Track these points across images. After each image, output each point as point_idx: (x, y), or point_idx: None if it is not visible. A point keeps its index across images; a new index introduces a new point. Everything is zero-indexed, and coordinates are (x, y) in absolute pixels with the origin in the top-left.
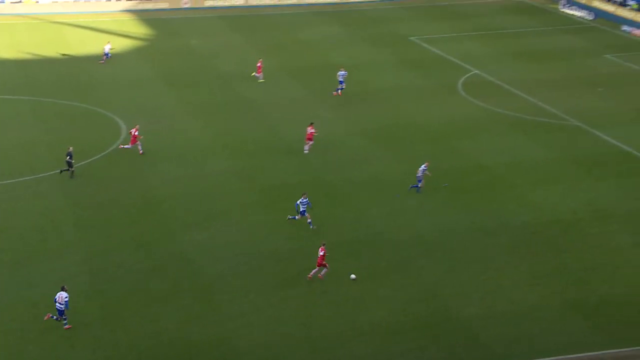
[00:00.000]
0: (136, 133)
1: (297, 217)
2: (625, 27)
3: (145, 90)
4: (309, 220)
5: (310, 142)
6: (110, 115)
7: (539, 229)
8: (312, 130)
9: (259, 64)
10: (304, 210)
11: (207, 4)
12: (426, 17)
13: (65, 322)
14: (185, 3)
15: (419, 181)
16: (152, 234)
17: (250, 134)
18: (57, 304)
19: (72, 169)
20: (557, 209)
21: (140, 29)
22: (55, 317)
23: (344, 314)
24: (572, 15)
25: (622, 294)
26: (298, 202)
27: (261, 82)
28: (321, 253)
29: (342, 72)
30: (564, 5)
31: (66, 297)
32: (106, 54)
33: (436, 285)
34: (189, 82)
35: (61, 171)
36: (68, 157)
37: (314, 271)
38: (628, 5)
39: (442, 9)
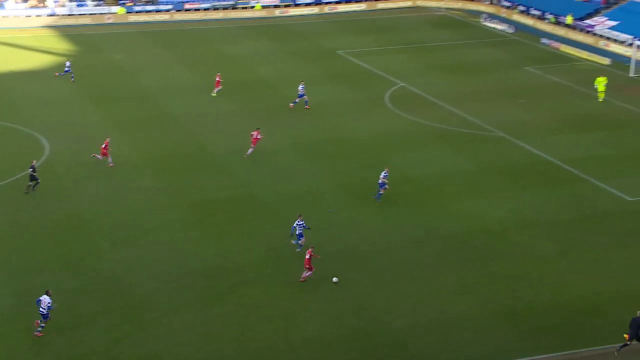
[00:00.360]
0: (104, 146)
1: (300, 242)
2: (544, 40)
3: (69, 106)
4: (298, 242)
5: (253, 147)
6: (33, 133)
7: (467, 239)
8: (258, 136)
9: (217, 78)
10: (301, 233)
11: (131, 19)
12: (352, 31)
13: (40, 329)
14: (109, 18)
15: (382, 186)
16: (78, 253)
17: (178, 149)
18: (40, 307)
19: (37, 181)
20: (483, 219)
21: (62, 45)
22: (41, 324)
23: (277, 328)
24: (494, 28)
25: (548, 301)
26: (294, 224)
27: (213, 95)
28: (307, 256)
29: (302, 86)
30: (485, 19)
31: (49, 303)
32: (67, 70)
33: (367, 298)
34: (114, 97)
35: (28, 187)
36: (31, 170)
37: (304, 274)
38: (546, 18)
39: (368, 23)
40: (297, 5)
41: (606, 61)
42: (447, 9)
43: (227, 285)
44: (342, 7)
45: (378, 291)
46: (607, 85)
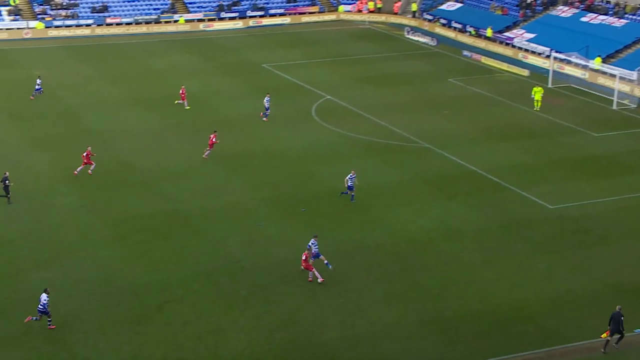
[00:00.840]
0: (85, 154)
1: (322, 258)
2: (465, 52)
3: None
4: (325, 262)
5: (210, 150)
6: None
7: (394, 249)
8: (214, 140)
9: (181, 91)
10: (318, 253)
11: (51, 33)
12: (278, 45)
13: (49, 322)
14: (27, 33)
15: (351, 188)
16: None
17: (100, 166)
18: (39, 305)
19: (9, 195)
20: (410, 229)
21: None
22: (35, 318)
23: (206, 345)
24: (417, 41)
25: (475, 309)
26: (309, 244)
27: (187, 108)
28: (303, 257)
29: (267, 98)
30: (408, 32)
31: (45, 299)
32: (37, 89)
33: (297, 311)
34: (34, 114)
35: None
36: (5, 182)
37: (310, 274)
38: (467, 31)
39: (292, 37)
40: (221, 19)
41: (525, 72)
42: (370, 22)
43: (154, 303)
44: (267, 21)
45: (307, 304)
46: (540, 95)
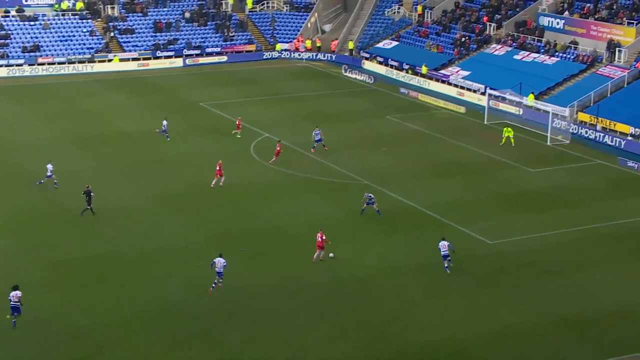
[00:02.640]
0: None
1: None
2: (403, 90)
3: None
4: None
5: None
6: None
7: (337, 287)
8: (220, 169)
9: (238, 122)
10: None
11: None
12: (215, 83)
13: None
14: None
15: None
16: None
17: (36, 207)
18: (11, 302)
19: None
20: (353, 266)
21: None
22: (14, 319)
23: None
24: (355, 79)
25: (418, 345)
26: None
27: (239, 137)
28: (320, 238)
29: (317, 131)
30: (346, 69)
31: (20, 294)
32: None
33: (241, 351)
34: None
35: None
36: None
37: (316, 254)
38: (404, 69)
39: (229, 75)
40: (156, 58)
41: (462, 109)
42: (308, 60)
43: (94, 345)
44: (204, 60)
45: (251, 343)
46: (510, 134)
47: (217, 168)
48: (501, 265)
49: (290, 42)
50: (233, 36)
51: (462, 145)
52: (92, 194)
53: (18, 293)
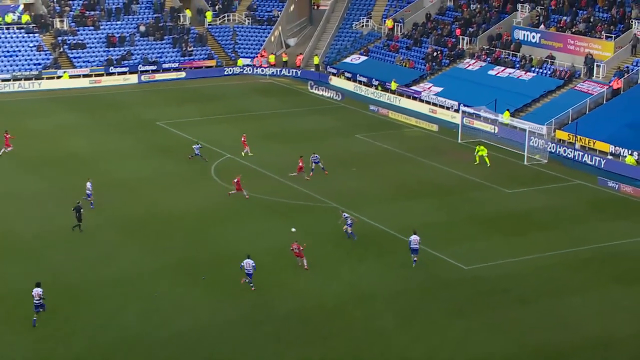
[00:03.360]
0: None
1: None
2: (372, 107)
3: None
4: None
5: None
6: None
7: (305, 316)
8: (238, 182)
9: (243, 139)
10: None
11: None
12: (173, 101)
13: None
14: None
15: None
16: None
17: None
18: (34, 300)
19: None
20: (321, 294)
21: None
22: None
23: None
24: (322, 95)
25: None
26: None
27: (250, 155)
28: (297, 249)
29: (315, 156)
30: (312, 86)
31: (41, 292)
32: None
33: None
34: None
35: None
36: None
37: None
38: (373, 85)
39: (189, 92)
40: (110, 74)
41: (434, 127)
42: (272, 76)
43: None
44: (161, 76)
45: None
46: (484, 153)
47: (235, 180)
48: (477, 291)
49: (253, 57)
50: (192, 51)
51: (435, 165)
52: (82, 210)
53: (39, 290)
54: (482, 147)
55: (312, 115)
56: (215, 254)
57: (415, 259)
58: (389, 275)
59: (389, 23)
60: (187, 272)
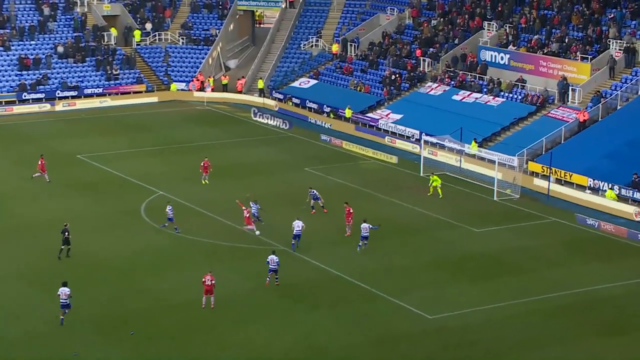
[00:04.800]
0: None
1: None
2: (324, 137)
3: None
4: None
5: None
6: None
7: None
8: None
9: (205, 164)
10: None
11: None
12: (97, 131)
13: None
14: None
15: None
16: None
17: None
18: (60, 299)
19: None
20: (266, 349)
21: None
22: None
23: None
24: (267, 124)
25: None
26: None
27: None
28: (210, 282)
29: (313, 192)
30: (256, 113)
31: (69, 292)
32: None
33: None
34: None
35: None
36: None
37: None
38: (325, 112)
39: (115, 121)
40: (23, 101)
41: (394, 159)
42: (209, 103)
43: None
44: (82, 103)
45: None
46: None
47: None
48: (442, 344)
49: (189, 81)
50: (118, 74)
51: (394, 201)
52: (67, 233)
53: (67, 290)
54: (435, 177)
55: (256, 146)
56: (145, 305)
57: (361, 244)
58: (344, 327)
59: (335, 47)
60: (112, 326)
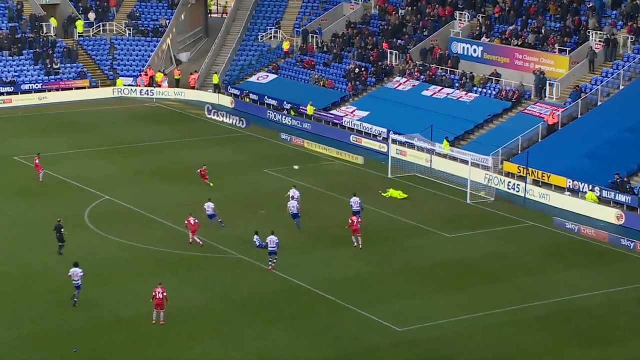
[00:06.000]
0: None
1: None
2: (284, 136)
3: None
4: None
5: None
6: None
7: None
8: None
9: (203, 171)
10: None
11: None
12: (34, 130)
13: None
14: None
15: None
16: None
17: None
18: (73, 280)
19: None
20: None
21: None
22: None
23: None
24: (222, 122)
25: None
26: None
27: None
28: (161, 294)
29: (355, 199)
30: (210, 110)
31: (81, 273)
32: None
33: None
34: None
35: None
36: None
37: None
38: (285, 109)
39: (54, 119)
40: None
41: (359, 159)
42: (159, 99)
43: None
44: (19, 99)
45: None
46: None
47: (191, 223)
48: (414, 358)
49: (136, 75)
50: (58, 68)
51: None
52: (62, 229)
53: (79, 270)
54: (392, 191)
55: (210, 146)
56: (90, 320)
57: (297, 223)
58: (305, 341)
59: (285, 45)
60: (50, 344)
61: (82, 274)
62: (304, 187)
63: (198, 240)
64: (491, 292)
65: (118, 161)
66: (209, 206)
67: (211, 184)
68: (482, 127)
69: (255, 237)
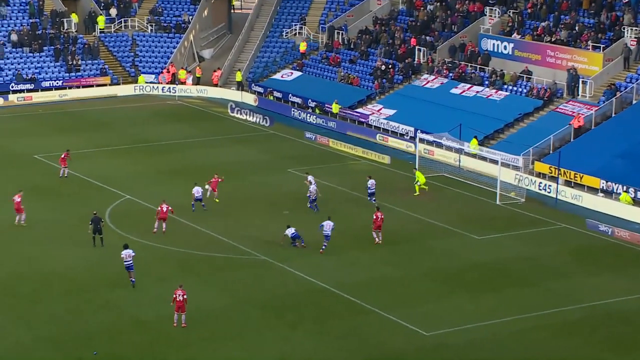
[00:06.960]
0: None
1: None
2: (308, 134)
3: None
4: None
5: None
6: None
7: None
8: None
9: (214, 181)
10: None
11: None
12: (55, 129)
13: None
14: None
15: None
16: None
17: None
18: (124, 261)
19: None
20: None
21: None
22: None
23: None
24: (245, 120)
25: None
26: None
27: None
28: (180, 297)
29: (372, 181)
30: (233, 109)
31: (133, 253)
32: None
33: None
34: None
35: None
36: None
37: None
38: (310, 107)
39: (75, 118)
40: None
41: (386, 159)
42: (181, 96)
43: None
44: (40, 96)
45: None
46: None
47: (163, 210)
48: None
49: (158, 73)
50: (79, 65)
51: (387, 205)
52: (102, 221)
53: (130, 252)
54: (419, 174)
55: (233, 145)
56: (110, 322)
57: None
58: (329, 345)
59: (302, 47)
60: (69, 347)
61: (133, 254)
62: (329, 187)
63: (164, 229)
64: (521, 296)
65: (139, 160)
66: (198, 190)
67: (217, 200)
68: (513, 126)
69: (288, 229)
